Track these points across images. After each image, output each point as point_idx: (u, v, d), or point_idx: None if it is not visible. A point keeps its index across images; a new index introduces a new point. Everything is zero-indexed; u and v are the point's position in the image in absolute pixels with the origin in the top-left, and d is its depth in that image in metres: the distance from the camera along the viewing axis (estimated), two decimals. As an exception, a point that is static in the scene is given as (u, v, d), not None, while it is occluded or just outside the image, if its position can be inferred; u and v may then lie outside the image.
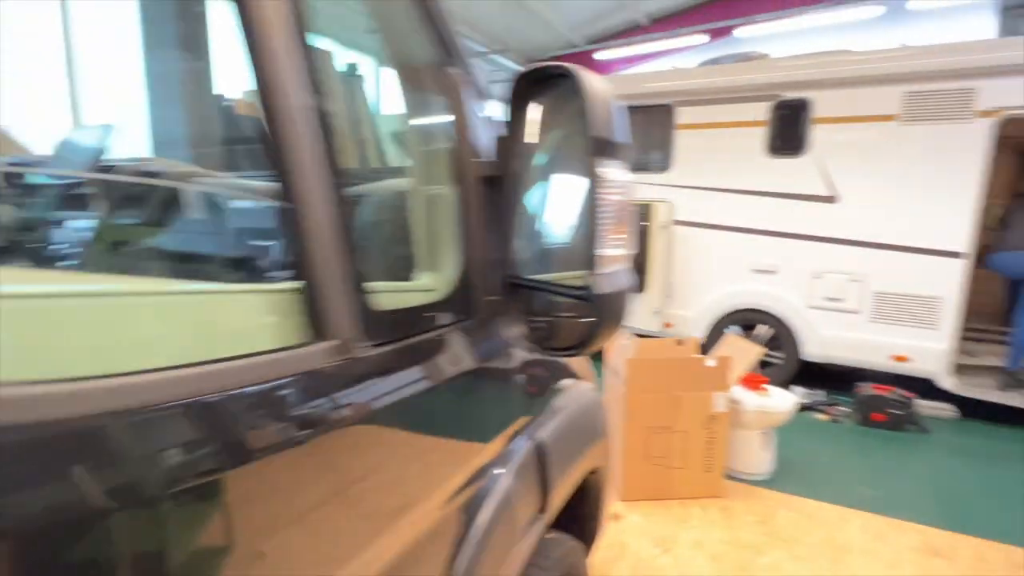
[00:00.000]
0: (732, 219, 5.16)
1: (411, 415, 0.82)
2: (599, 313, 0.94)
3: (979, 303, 4.34)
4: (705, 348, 5.38)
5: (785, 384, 5.12)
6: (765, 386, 3.54)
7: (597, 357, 3.05)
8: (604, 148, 0.92)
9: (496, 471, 1.03)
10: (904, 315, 4.58)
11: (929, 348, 4.51)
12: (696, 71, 5.31)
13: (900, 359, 4.62)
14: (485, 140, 1.05)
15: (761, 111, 4.92)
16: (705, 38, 8.43)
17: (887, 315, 4.64)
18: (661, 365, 3.03)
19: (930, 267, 4.44)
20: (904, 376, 4.64)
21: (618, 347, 3.34)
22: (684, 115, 5.26)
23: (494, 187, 1.04)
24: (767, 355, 5.22)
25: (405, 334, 0.84)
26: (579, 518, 1.49)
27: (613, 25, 9.56)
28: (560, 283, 1.02)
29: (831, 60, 4.63)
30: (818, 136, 4.72)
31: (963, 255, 4.32)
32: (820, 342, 4.90)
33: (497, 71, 9.32)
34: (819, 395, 4.92)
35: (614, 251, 0.95)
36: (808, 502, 3.20)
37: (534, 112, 1.03)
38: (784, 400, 3.47)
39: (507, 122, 1.04)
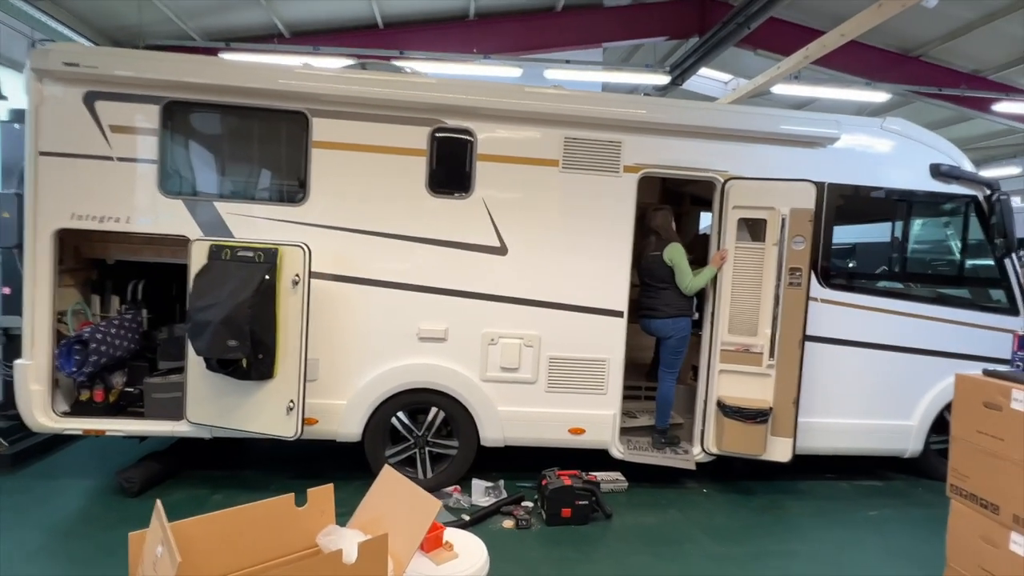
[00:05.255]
0: (391, 272, 3.92)
1: None
2: None
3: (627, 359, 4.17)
4: (365, 448, 4.07)
5: (460, 478, 4.08)
6: (447, 537, 2.25)
7: None
8: None
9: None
10: (577, 382, 4.10)
11: (601, 416, 4.12)
12: (340, 74, 3.98)
13: (576, 431, 4.11)
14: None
15: (421, 137, 3.89)
16: (351, 63, 7.36)
17: (561, 383, 4.10)
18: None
19: (598, 327, 4.09)
20: (575, 450, 4.16)
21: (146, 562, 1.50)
22: (324, 129, 3.83)
23: None
24: (437, 444, 4.09)
25: None
26: None
27: (244, 26, 7.67)
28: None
29: (495, 88, 3.96)
30: (484, 175, 3.95)
31: (624, 313, 4.10)
32: (499, 422, 4.03)
33: (46, 40, 6.16)
34: (500, 488, 4.01)
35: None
36: None
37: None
38: (474, 554, 2.24)
39: None
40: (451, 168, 3.95)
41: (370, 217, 3.89)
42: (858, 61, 8.62)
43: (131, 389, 4.04)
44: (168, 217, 3.76)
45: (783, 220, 3.97)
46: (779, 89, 8.54)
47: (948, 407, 4.43)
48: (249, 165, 3.96)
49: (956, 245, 4.54)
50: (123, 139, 3.71)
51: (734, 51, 8.49)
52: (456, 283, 3.97)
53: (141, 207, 3.75)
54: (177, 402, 3.82)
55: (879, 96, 8.70)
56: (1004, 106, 8.81)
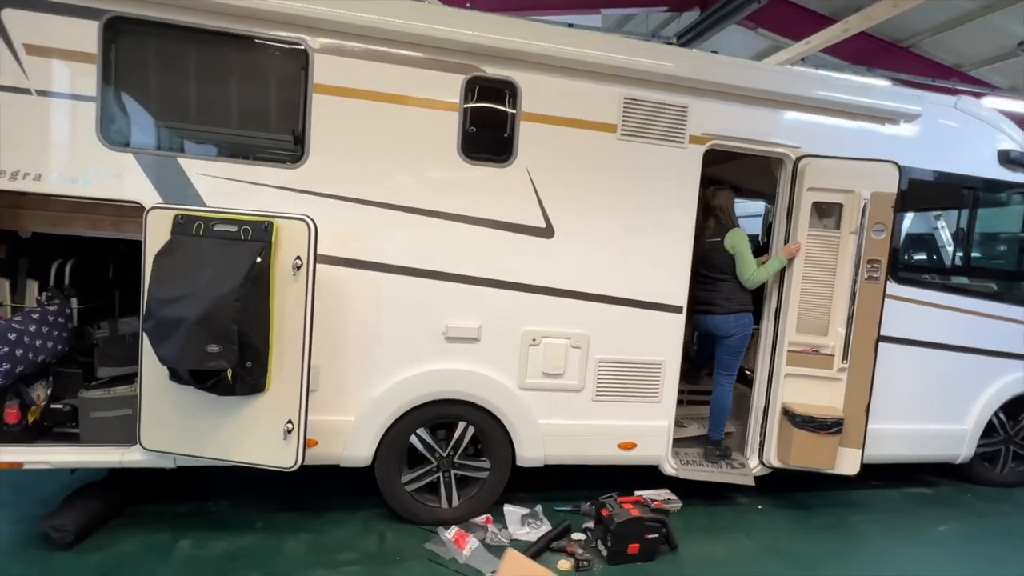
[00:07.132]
0: (411, 256, 3.13)
1: None
2: None
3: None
4: (376, 473, 3.18)
5: (491, 505, 3.39)
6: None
7: None
8: None
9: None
10: (629, 389, 3.50)
11: (654, 427, 3.55)
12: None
13: (627, 446, 3.52)
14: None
15: (453, 88, 3.10)
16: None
17: (611, 390, 3.48)
18: None
19: (653, 325, 3.49)
20: (623, 468, 3.58)
21: None
22: (329, 69, 2.95)
23: None
24: (465, 467, 3.37)
25: None
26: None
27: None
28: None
29: (546, 31, 3.22)
30: (529, 139, 3.22)
31: (683, 309, 3.53)
32: (540, 438, 3.36)
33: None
34: (539, 516, 3.37)
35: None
36: None
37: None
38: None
39: None
40: (489, 128, 3.19)
41: (386, 185, 3.07)
42: (846, 47, 8.42)
43: (59, 405, 3.05)
44: (112, 176, 2.78)
45: (864, 205, 3.51)
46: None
47: (1000, 409, 4.21)
48: (228, 111, 2.99)
49: (1017, 238, 4.28)
50: (45, 65, 2.69)
51: (725, 31, 8.08)
52: (492, 271, 3.24)
53: (73, 161, 2.75)
54: (126, 422, 2.90)
55: (879, 84, 8.55)
56: (989, 102, 8.92)
